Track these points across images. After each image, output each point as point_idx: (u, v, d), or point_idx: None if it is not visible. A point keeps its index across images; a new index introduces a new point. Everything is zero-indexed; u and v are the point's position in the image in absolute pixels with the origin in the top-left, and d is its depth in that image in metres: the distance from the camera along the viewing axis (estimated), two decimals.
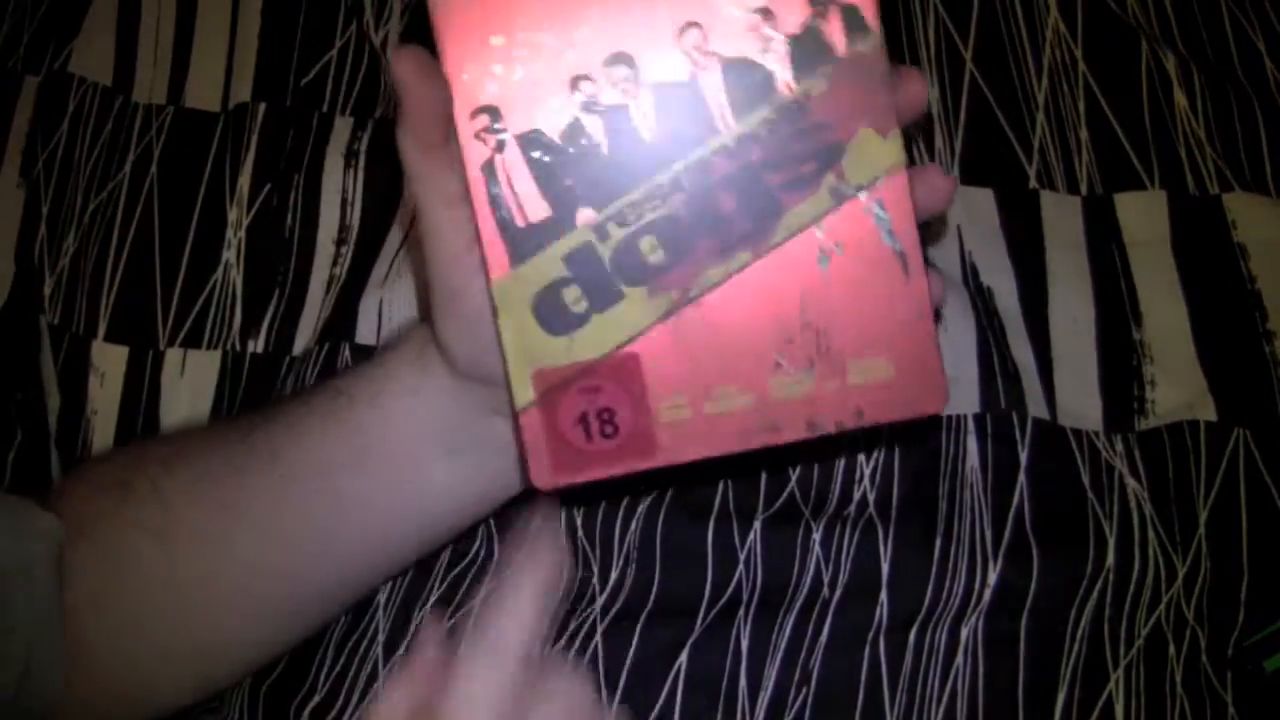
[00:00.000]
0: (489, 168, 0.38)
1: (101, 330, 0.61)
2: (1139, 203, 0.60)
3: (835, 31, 0.37)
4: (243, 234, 0.61)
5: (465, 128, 0.37)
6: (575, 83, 0.37)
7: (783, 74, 0.37)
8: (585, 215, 0.38)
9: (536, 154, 0.38)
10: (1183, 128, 0.62)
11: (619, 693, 0.50)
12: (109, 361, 0.60)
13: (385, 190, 0.62)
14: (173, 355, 0.60)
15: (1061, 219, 0.59)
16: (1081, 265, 0.58)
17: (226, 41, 0.66)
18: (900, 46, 0.63)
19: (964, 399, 0.54)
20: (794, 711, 0.50)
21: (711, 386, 0.39)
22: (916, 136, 0.61)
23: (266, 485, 0.46)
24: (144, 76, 0.66)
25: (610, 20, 0.37)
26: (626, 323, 0.38)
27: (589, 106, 0.38)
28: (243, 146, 0.63)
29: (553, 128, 0.38)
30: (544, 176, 0.38)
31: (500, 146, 0.38)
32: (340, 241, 0.61)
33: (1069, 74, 0.63)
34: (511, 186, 0.38)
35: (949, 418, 0.54)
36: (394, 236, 0.61)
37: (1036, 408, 0.54)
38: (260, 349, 0.59)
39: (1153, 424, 0.55)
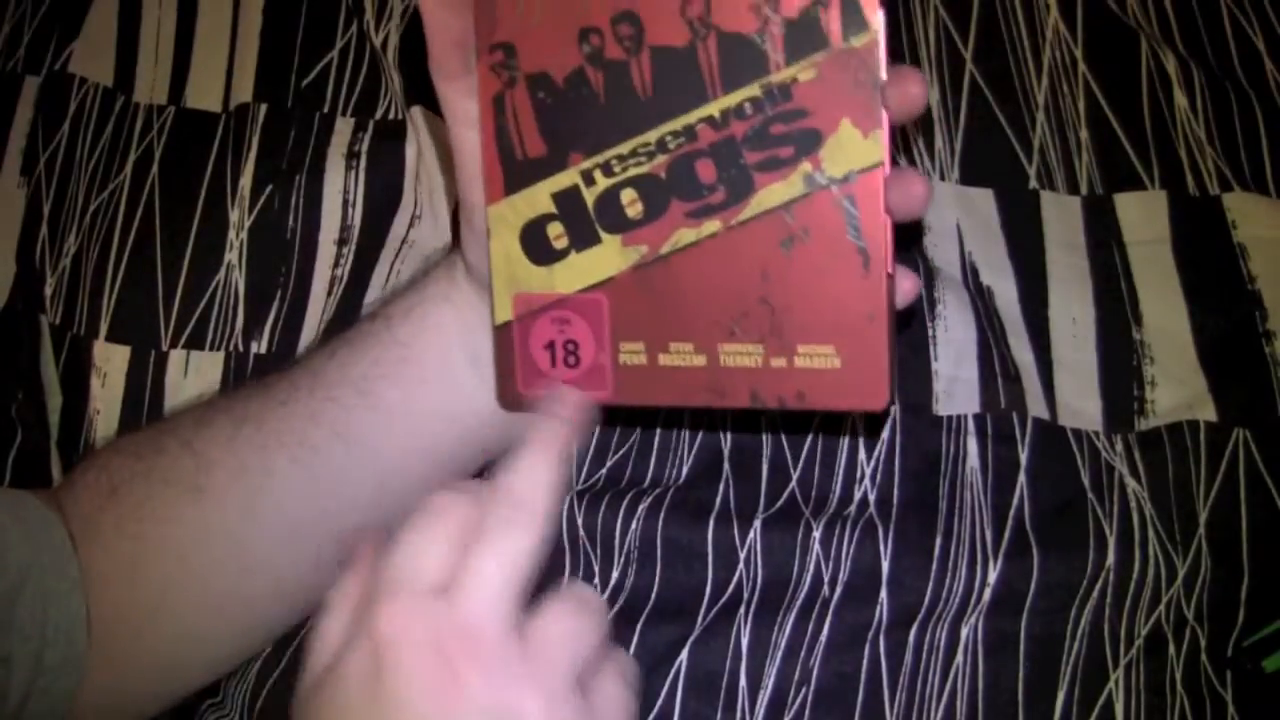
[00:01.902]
0: (499, 100, 0.40)
1: (103, 330, 0.61)
2: (1139, 203, 0.60)
3: (832, 22, 0.38)
4: (244, 235, 0.61)
5: (483, 59, 0.40)
6: (584, 34, 0.39)
7: (775, 56, 0.38)
8: (576, 159, 0.40)
9: (541, 95, 0.40)
10: (1183, 128, 0.62)
11: None
12: (110, 361, 0.60)
13: (386, 191, 0.62)
14: (176, 357, 0.60)
15: (1061, 219, 0.60)
16: (1081, 265, 0.58)
17: (227, 42, 0.66)
18: (900, 46, 0.63)
19: (964, 399, 0.54)
20: (794, 710, 0.50)
21: (669, 340, 0.41)
22: (916, 136, 0.61)
23: (307, 410, 0.48)
24: (145, 77, 0.66)
25: None
26: (601, 266, 0.41)
27: (593, 58, 0.39)
28: (244, 147, 0.63)
29: (559, 73, 0.40)
30: (544, 117, 0.40)
31: (511, 82, 0.40)
32: (342, 242, 0.61)
33: (1069, 74, 0.63)
34: (516, 121, 0.40)
35: (949, 418, 0.54)
36: (395, 237, 0.61)
37: (1036, 408, 0.55)
38: (263, 350, 0.60)
39: (1153, 424, 0.55)
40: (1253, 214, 0.59)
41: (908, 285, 0.41)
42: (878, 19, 0.38)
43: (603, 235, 0.41)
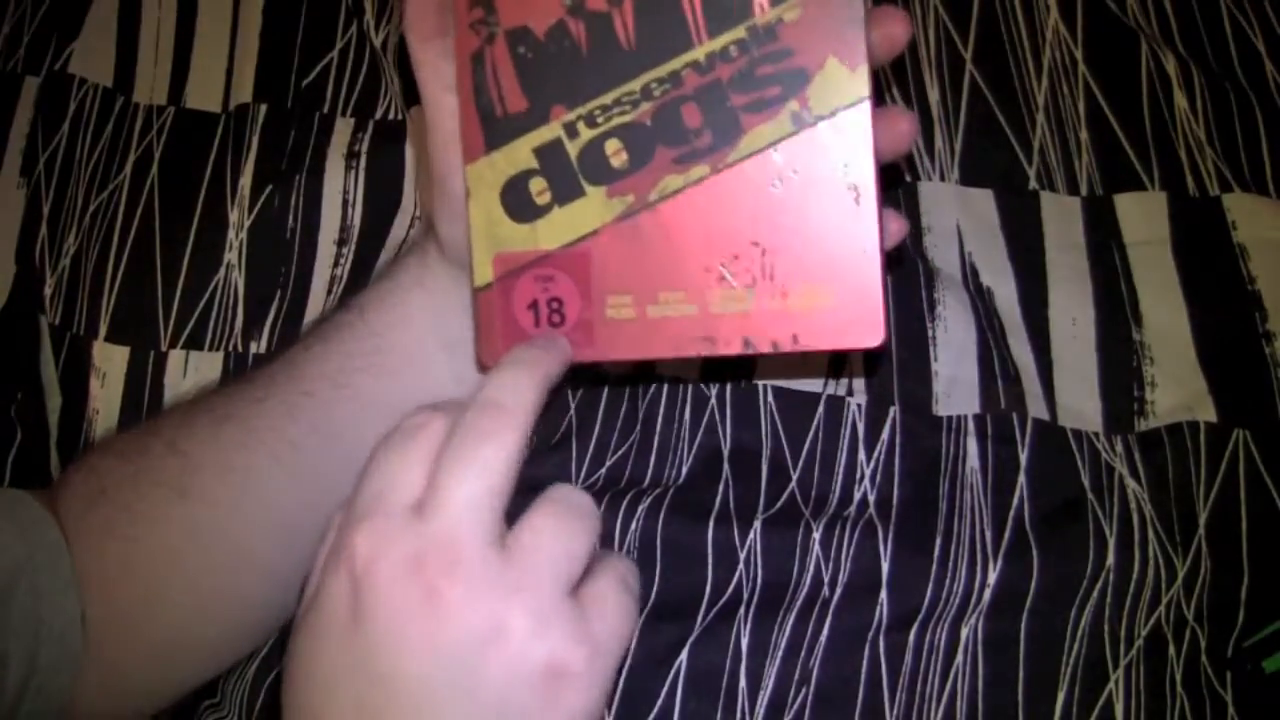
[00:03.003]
0: (478, 57, 0.40)
1: (102, 330, 0.61)
2: (1139, 203, 0.60)
3: None
4: (244, 235, 0.61)
5: (462, 17, 0.40)
6: None
7: None
8: (558, 112, 0.40)
9: (521, 49, 0.40)
10: (1183, 128, 0.62)
11: (619, 692, 0.50)
12: (110, 362, 0.60)
13: (386, 191, 0.62)
14: (175, 357, 0.60)
15: (1061, 219, 0.60)
16: (1081, 266, 0.58)
17: (227, 42, 0.66)
18: None
19: (964, 400, 0.54)
20: (794, 711, 0.50)
21: (657, 291, 0.40)
22: (915, 136, 0.61)
23: (284, 406, 0.48)
24: (145, 77, 0.66)
25: None
26: (585, 219, 0.40)
27: (574, 10, 0.39)
28: (244, 147, 0.63)
29: (539, 26, 0.40)
30: (525, 71, 0.40)
31: (490, 39, 0.40)
32: (341, 242, 0.61)
33: (1069, 74, 0.63)
34: (495, 77, 0.40)
35: (949, 418, 0.54)
36: (395, 238, 0.61)
37: (1036, 408, 0.54)
38: (263, 350, 0.60)
39: (1153, 425, 0.55)
40: (1253, 214, 0.59)
41: (895, 226, 0.41)
42: None
43: (587, 188, 0.40)
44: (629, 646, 0.37)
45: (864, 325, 0.39)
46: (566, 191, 0.40)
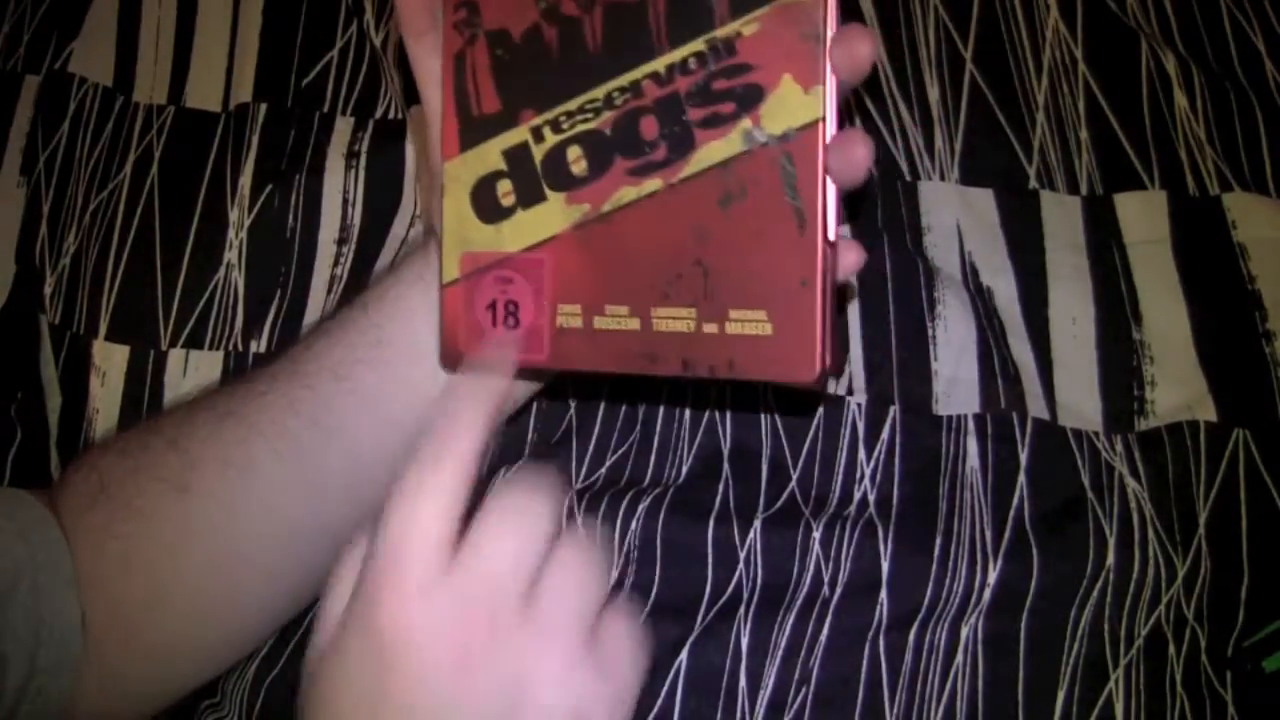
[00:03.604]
0: (460, 57, 0.40)
1: (102, 330, 0.61)
2: (1139, 203, 0.60)
3: None
4: (244, 235, 0.61)
5: (448, 16, 0.40)
6: None
7: (720, 9, 0.38)
8: (527, 116, 0.40)
9: (499, 51, 0.40)
10: (1183, 128, 0.62)
11: None
12: (110, 361, 0.60)
13: (386, 190, 0.62)
14: (175, 356, 0.60)
15: (1061, 219, 0.59)
16: (1081, 265, 0.58)
17: (227, 42, 0.66)
18: (900, 46, 0.63)
19: (964, 399, 0.54)
20: (794, 710, 0.50)
21: (604, 303, 0.40)
22: (915, 137, 0.61)
23: (285, 400, 0.48)
24: (144, 77, 0.66)
25: None
26: (545, 224, 0.40)
27: (549, 14, 0.39)
28: (244, 147, 0.63)
29: (516, 29, 0.39)
30: (501, 74, 0.40)
31: (472, 39, 0.40)
32: (341, 241, 0.61)
33: (1069, 74, 0.63)
34: (474, 78, 0.40)
35: (949, 418, 0.54)
36: (395, 237, 0.61)
37: (1036, 408, 0.54)
38: (263, 349, 0.59)
39: (1153, 424, 0.55)
40: (1253, 214, 0.59)
41: (852, 257, 0.40)
42: None
43: (548, 193, 0.40)
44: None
45: (798, 359, 0.38)
46: (529, 195, 0.40)
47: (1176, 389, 0.55)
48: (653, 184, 0.39)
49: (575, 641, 0.35)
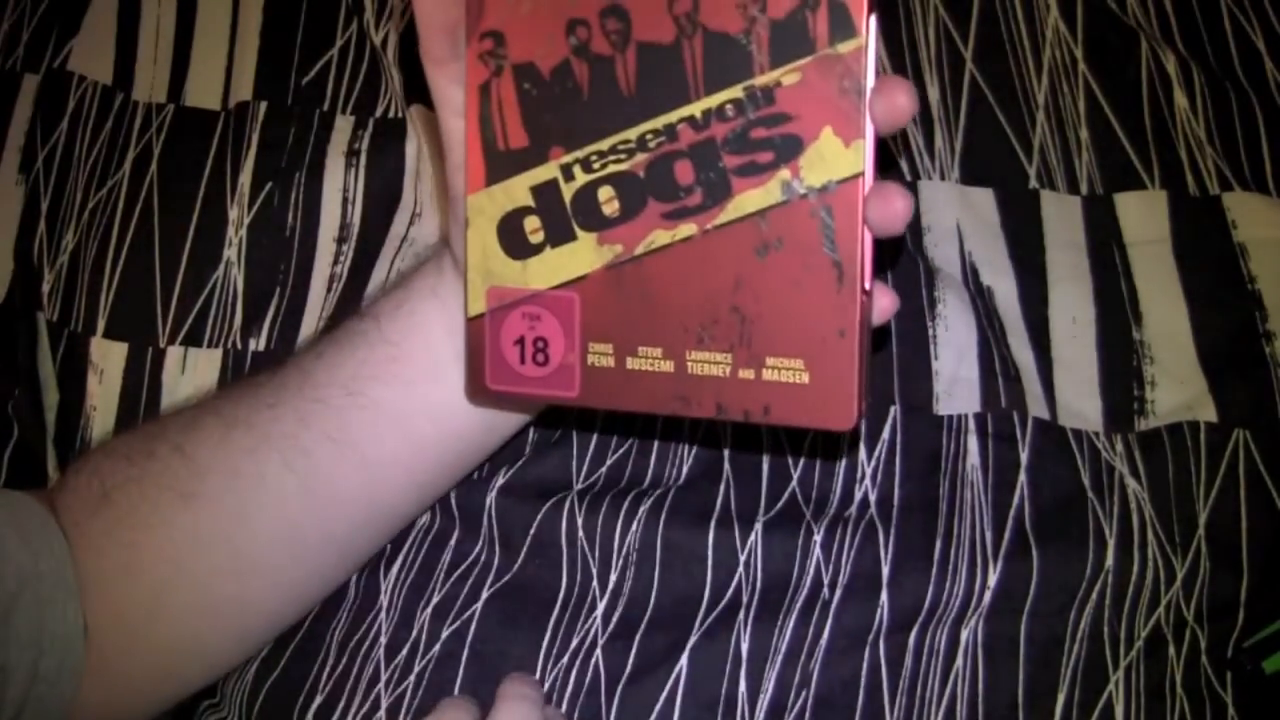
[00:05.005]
0: (485, 89, 0.40)
1: (100, 327, 0.60)
2: (1139, 203, 0.60)
3: (819, 25, 0.37)
4: (243, 233, 0.61)
5: (473, 47, 0.39)
6: (572, 26, 0.39)
7: (759, 57, 0.38)
8: (557, 153, 0.40)
9: (526, 85, 0.39)
10: (1183, 128, 0.61)
11: (618, 696, 0.50)
12: (108, 358, 0.60)
13: (386, 189, 0.62)
14: (174, 354, 0.60)
15: (1061, 219, 0.59)
16: (1081, 265, 0.58)
17: (227, 40, 0.66)
18: (900, 46, 0.63)
19: (964, 399, 0.54)
20: (794, 714, 0.50)
21: (637, 344, 0.40)
22: (916, 135, 0.61)
23: (296, 413, 0.48)
24: (144, 75, 0.65)
25: None
26: (575, 263, 0.40)
27: (579, 51, 0.39)
28: (243, 145, 0.63)
29: (545, 64, 0.39)
30: (528, 108, 0.40)
31: (498, 71, 0.39)
32: (341, 240, 0.61)
33: (1069, 74, 0.63)
34: (500, 111, 0.40)
35: (949, 417, 0.54)
36: (395, 235, 0.61)
37: (1037, 407, 0.54)
38: (262, 348, 0.59)
39: (1153, 424, 0.55)
40: (1253, 214, 0.59)
41: (885, 302, 0.40)
42: (867, 25, 0.37)
43: (578, 232, 0.40)
44: None
45: (835, 407, 0.39)
46: (559, 233, 0.40)
47: (1176, 389, 0.55)
48: (687, 229, 0.39)
49: None
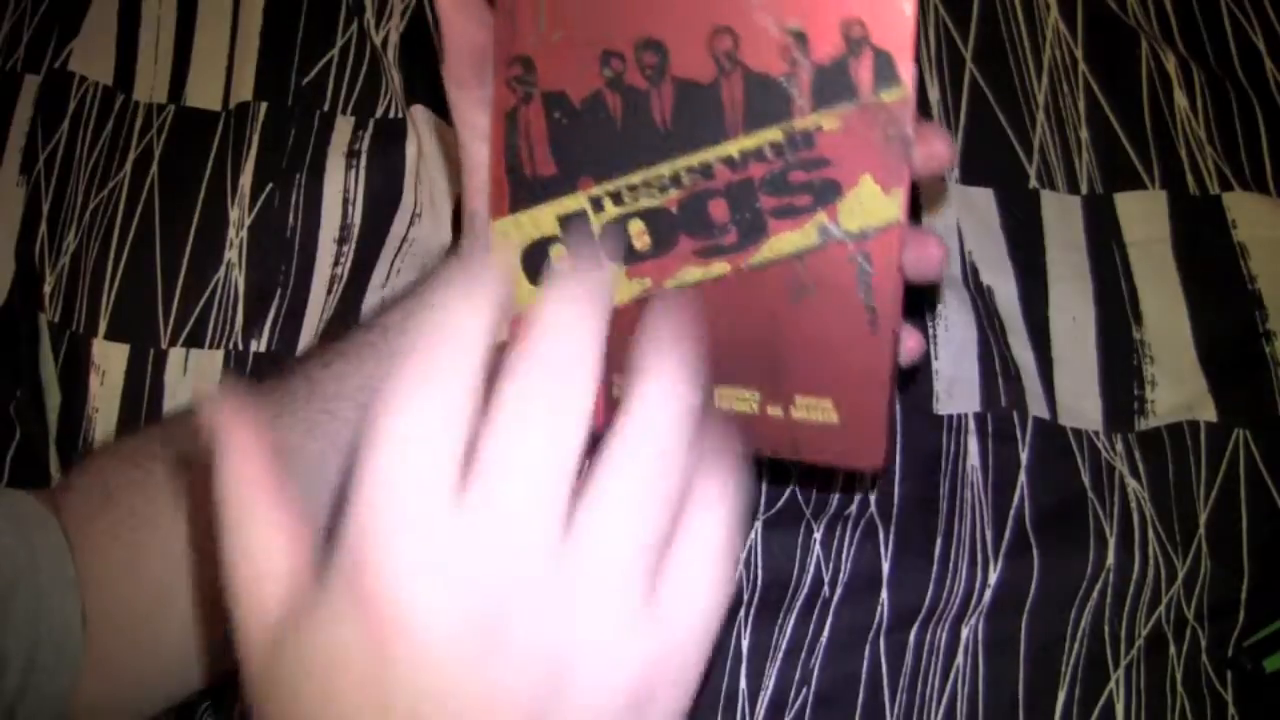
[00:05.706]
0: (512, 115, 0.39)
1: (102, 328, 0.60)
2: (1139, 203, 0.60)
3: (863, 73, 0.36)
4: (244, 234, 0.61)
5: (501, 72, 0.39)
6: (606, 57, 0.38)
7: (800, 101, 0.37)
8: (586, 184, 0.39)
9: (556, 114, 0.39)
10: (1183, 128, 0.62)
11: None
12: (109, 359, 0.60)
13: (386, 189, 0.62)
14: (175, 355, 0.60)
15: (1061, 219, 0.60)
16: (1081, 265, 0.58)
17: (227, 41, 0.66)
18: None
19: (964, 398, 0.54)
20: (794, 711, 0.50)
21: None
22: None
23: (304, 424, 0.47)
24: (145, 75, 0.66)
25: (653, 6, 0.37)
26: None
27: (613, 83, 0.38)
28: (244, 146, 0.63)
29: (576, 94, 0.38)
30: (558, 137, 0.39)
31: (526, 98, 0.39)
32: (342, 241, 0.61)
33: (1069, 74, 0.63)
34: (528, 138, 0.39)
35: (949, 417, 0.54)
36: (395, 236, 0.61)
37: (1037, 407, 0.54)
38: (263, 348, 0.59)
39: (1153, 424, 0.55)
40: (1253, 214, 0.59)
41: (912, 344, 0.40)
42: (910, 74, 0.36)
43: (607, 265, 0.40)
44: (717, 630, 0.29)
45: (864, 448, 0.39)
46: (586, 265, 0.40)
47: (1176, 389, 0.56)
48: (720, 267, 0.39)
49: (627, 591, 0.26)
